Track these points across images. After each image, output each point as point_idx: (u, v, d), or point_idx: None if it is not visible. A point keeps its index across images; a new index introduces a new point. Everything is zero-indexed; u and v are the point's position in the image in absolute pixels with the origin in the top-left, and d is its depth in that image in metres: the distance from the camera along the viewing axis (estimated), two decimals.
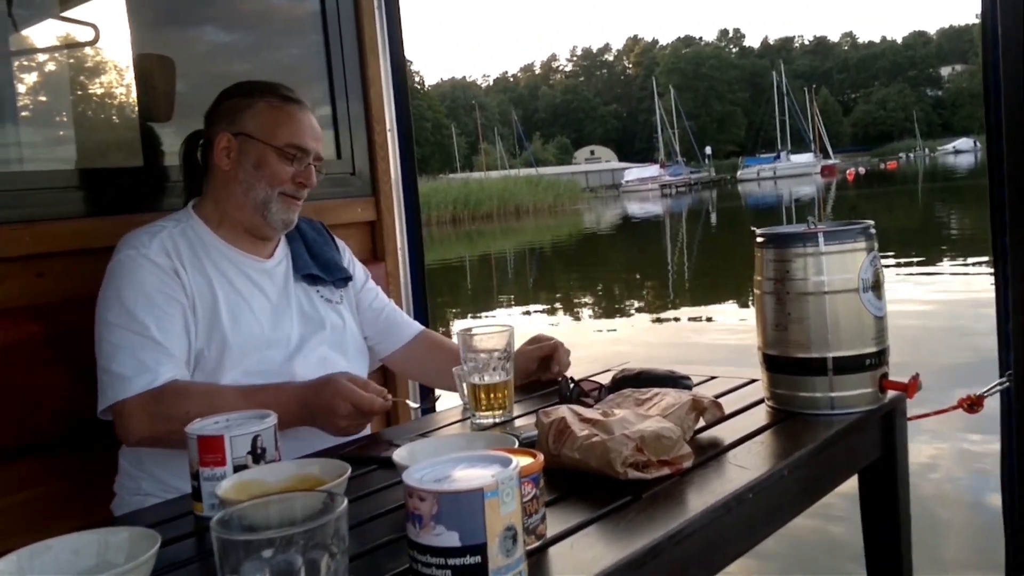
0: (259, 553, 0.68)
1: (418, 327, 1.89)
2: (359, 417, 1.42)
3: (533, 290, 13.27)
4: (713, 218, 28.69)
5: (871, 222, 1.38)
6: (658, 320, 9.32)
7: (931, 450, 3.81)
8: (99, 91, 2.30)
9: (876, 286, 1.35)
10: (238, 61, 2.22)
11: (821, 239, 1.32)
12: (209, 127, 1.64)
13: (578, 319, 9.93)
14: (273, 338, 1.58)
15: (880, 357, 1.36)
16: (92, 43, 2.06)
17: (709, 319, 8.58)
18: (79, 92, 2.22)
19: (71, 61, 2.14)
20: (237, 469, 1.09)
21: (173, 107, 1.96)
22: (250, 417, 1.14)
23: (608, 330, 8.95)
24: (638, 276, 14.13)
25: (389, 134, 2.36)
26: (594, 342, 8.06)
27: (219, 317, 1.53)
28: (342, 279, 1.76)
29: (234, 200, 1.61)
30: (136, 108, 2.02)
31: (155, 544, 0.92)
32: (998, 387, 1.49)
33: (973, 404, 1.50)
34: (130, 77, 2.05)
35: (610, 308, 10.78)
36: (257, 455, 1.09)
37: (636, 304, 10.90)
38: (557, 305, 11.16)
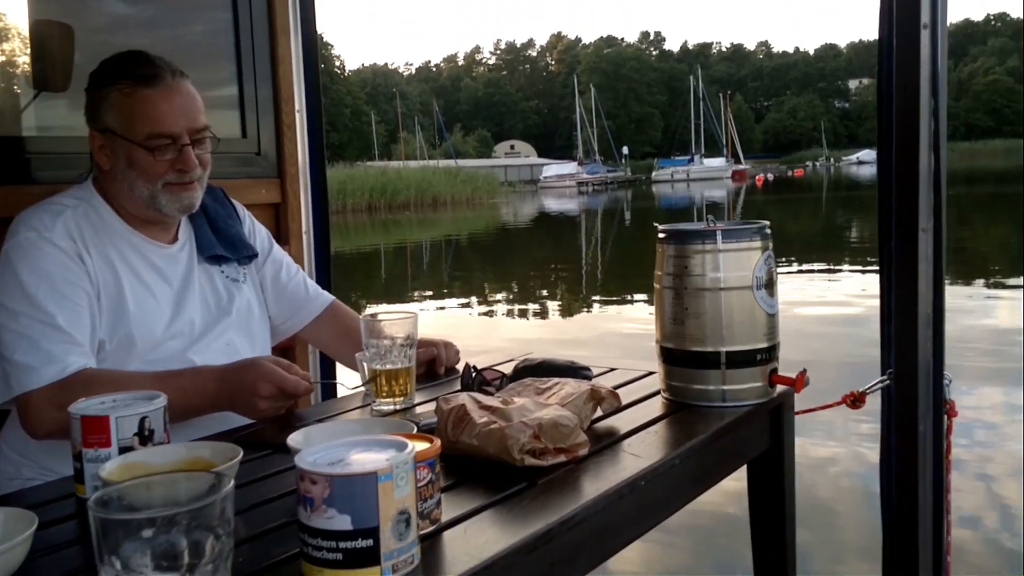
0: (139, 533, 0.66)
1: (327, 299, 1.84)
2: (283, 399, 1.41)
3: (448, 282, 13.25)
4: (627, 217, 29.19)
5: (767, 222, 1.43)
6: (569, 313, 9.45)
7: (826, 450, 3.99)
8: None
9: (769, 284, 1.41)
10: (141, 34, 2.12)
11: (719, 237, 1.37)
12: (85, 117, 1.55)
13: (492, 311, 9.98)
14: (176, 328, 1.53)
15: (771, 353, 1.42)
16: None
17: (619, 313, 8.75)
18: None
19: None
20: (123, 451, 1.05)
21: (70, 77, 1.87)
22: (138, 398, 1.11)
23: (520, 322, 9.02)
24: (552, 270, 14.27)
25: (298, 115, 2.31)
26: (505, 334, 8.11)
27: (124, 307, 1.48)
28: (247, 256, 1.70)
29: (122, 196, 1.54)
30: (31, 76, 1.93)
31: (32, 525, 0.89)
32: (879, 384, 1.57)
33: (856, 400, 1.58)
34: (24, 43, 1.95)
35: (524, 300, 10.87)
36: (144, 437, 1.06)
37: (549, 297, 11.03)
38: (472, 297, 11.18)
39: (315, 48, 2.32)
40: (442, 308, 10.28)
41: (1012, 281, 9.68)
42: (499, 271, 14.44)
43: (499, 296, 11.35)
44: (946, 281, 1.49)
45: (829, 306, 8.19)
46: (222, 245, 1.66)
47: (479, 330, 8.44)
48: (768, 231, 1.42)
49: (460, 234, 24.13)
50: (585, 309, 9.69)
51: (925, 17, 1.43)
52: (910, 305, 1.43)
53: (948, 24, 1.47)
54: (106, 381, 1.37)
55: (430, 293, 11.74)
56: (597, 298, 10.44)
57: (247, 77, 2.20)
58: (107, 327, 1.46)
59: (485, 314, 9.73)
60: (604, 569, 2.84)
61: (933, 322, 1.46)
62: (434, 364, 1.74)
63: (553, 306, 10.18)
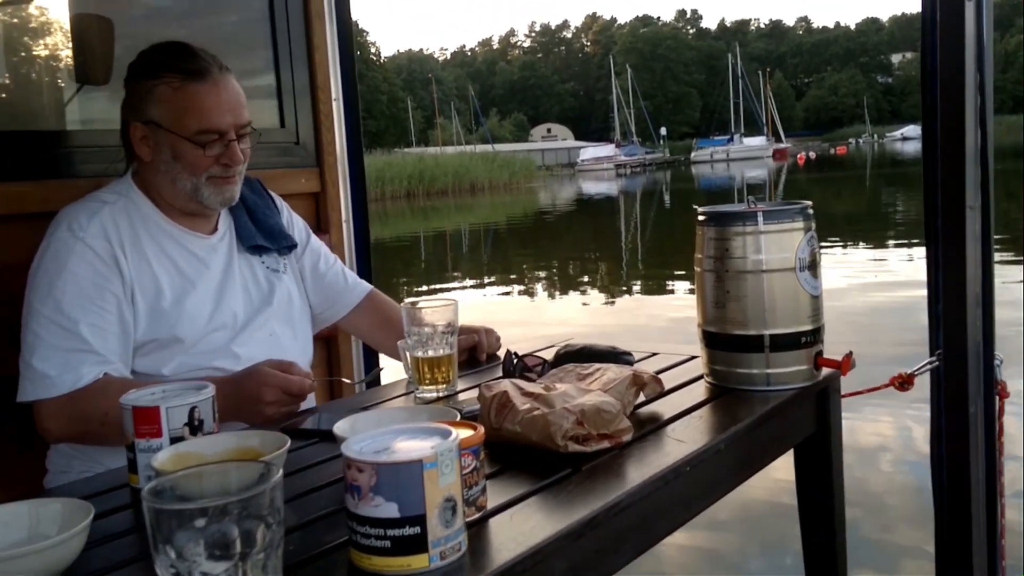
0: (192, 523, 0.68)
1: (366, 288, 1.85)
2: (289, 401, 1.42)
3: (488, 268, 13.27)
4: (667, 199, 28.93)
5: (809, 203, 1.40)
6: (611, 298, 9.41)
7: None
8: (34, 51, 2.23)
9: (812, 265, 1.38)
10: (178, 25, 2.15)
11: (760, 218, 1.35)
12: (123, 109, 1.55)
13: (532, 297, 9.98)
14: (219, 320, 1.54)
15: (815, 335, 1.40)
16: (28, 0, 1.99)
17: (661, 297, 8.69)
18: (14, 52, 2.15)
19: (5, 19, 2.07)
20: (174, 441, 1.07)
21: (111, 70, 1.89)
22: (187, 388, 1.13)
23: (561, 307, 9.00)
24: (593, 254, 14.21)
25: (335, 103, 2.31)
26: (546, 320, 8.10)
27: (162, 304, 1.49)
28: (287, 247, 1.71)
29: (165, 188, 1.54)
30: (72, 70, 1.96)
31: (88, 515, 0.91)
32: (928, 366, 1.53)
33: (904, 382, 1.55)
34: (66, 37, 1.99)
35: (564, 286, 10.85)
36: (195, 427, 1.08)
37: (589, 282, 10.99)
38: (512, 283, 11.20)
39: (350, 34, 2.33)
40: (483, 294, 10.31)
41: None
42: (539, 256, 14.41)
43: (540, 282, 11.34)
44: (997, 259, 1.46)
45: (882, 290, 8.04)
46: (262, 235, 1.67)
47: (520, 316, 8.44)
48: (811, 211, 1.40)
49: (498, 220, 24.12)
50: (626, 293, 9.64)
51: None
52: (958, 284, 1.40)
53: None
54: (114, 394, 1.38)
55: (470, 280, 11.79)
56: (638, 282, 10.37)
57: (283, 65, 2.21)
58: (147, 326, 1.47)
59: (526, 299, 9.73)
60: (653, 553, 2.85)
61: (983, 301, 1.42)
62: (475, 351, 1.74)
63: (594, 291, 10.14)
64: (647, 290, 9.67)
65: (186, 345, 1.49)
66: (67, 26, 2.03)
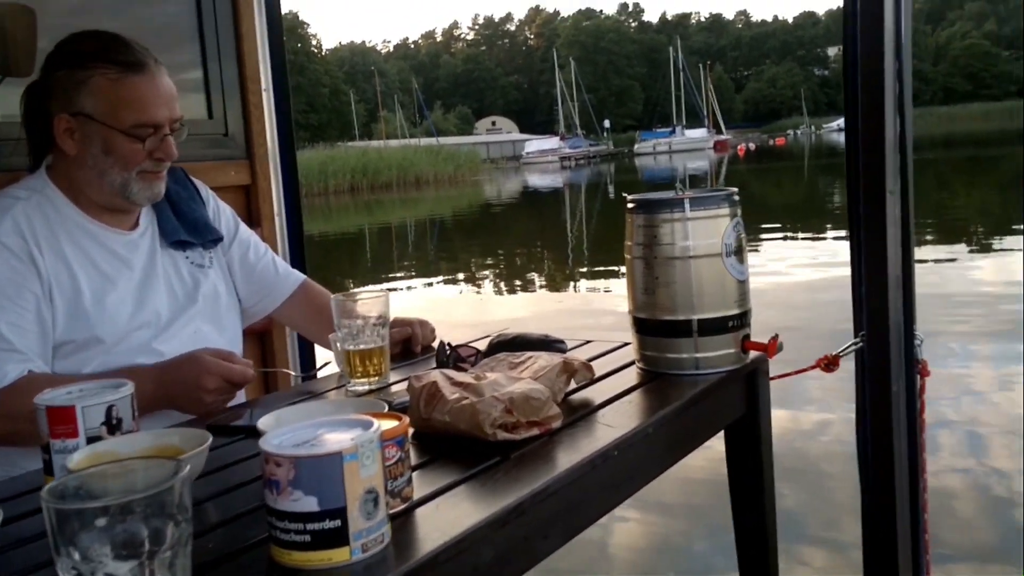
0: (94, 522, 0.66)
1: (299, 278, 1.82)
2: (229, 391, 1.39)
3: (434, 261, 13.22)
4: (611, 190, 29.15)
5: (735, 189, 1.43)
6: (556, 288, 9.46)
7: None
8: None
9: (739, 251, 1.40)
10: (104, 17, 2.08)
11: (687, 205, 1.36)
12: (44, 98, 1.48)
13: (479, 289, 9.97)
14: (141, 319, 1.50)
15: (742, 319, 1.42)
16: None
17: (607, 289, 8.75)
18: None
19: None
20: (91, 441, 1.04)
21: (35, 61, 1.82)
22: (104, 386, 1.09)
23: (508, 299, 9.02)
24: (539, 246, 14.26)
25: (265, 94, 2.28)
26: (493, 311, 8.11)
27: (82, 303, 1.44)
28: (212, 240, 1.67)
29: (89, 183, 1.49)
30: None
31: None
32: (852, 347, 1.57)
33: (830, 363, 1.58)
34: None
35: (510, 278, 10.86)
36: (113, 426, 1.05)
37: (536, 274, 11.03)
38: (459, 275, 11.17)
39: (280, 25, 2.29)
40: (429, 286, 10.27)
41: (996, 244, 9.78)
42: (485, 248, 14.41)
43: (486, 273, 11.34)
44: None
45: (820, 268, 8.25)
46: (185, 230, 1.63)
47: (466, 309, 8.44)
48: (736, 198, 1.42)
49: (444, 213, 24.04)
50: (572, 283, 9.69)
51: None
52: (879, 267, 1.44)
53: None
54: (44, 386, 1.35)
55: (416, 273, 11.73)
56: (584, 273, 10.44)
57: (211, 57, 2.17)
58: (66, 325, 1.43)
59: (473, 292, 9.72)
60: (604, 541, 2.88)
61: (903, 283, 1.46)
62: (410, 343, 1.73)
63: (540, 281, 10.18)
64: (593, 279, 9.73)
65: (107, 345, 1.45)
66: None
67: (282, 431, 0.87)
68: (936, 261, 8.44)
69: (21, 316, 1.38)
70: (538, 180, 40.63)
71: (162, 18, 2.21)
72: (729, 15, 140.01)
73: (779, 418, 3.74)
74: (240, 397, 1.57)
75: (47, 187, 1.51)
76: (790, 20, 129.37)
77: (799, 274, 8.26)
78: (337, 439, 0.83)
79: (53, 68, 1.48)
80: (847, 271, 1.56)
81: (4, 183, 1.52)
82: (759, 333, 1.47)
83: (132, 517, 0.66)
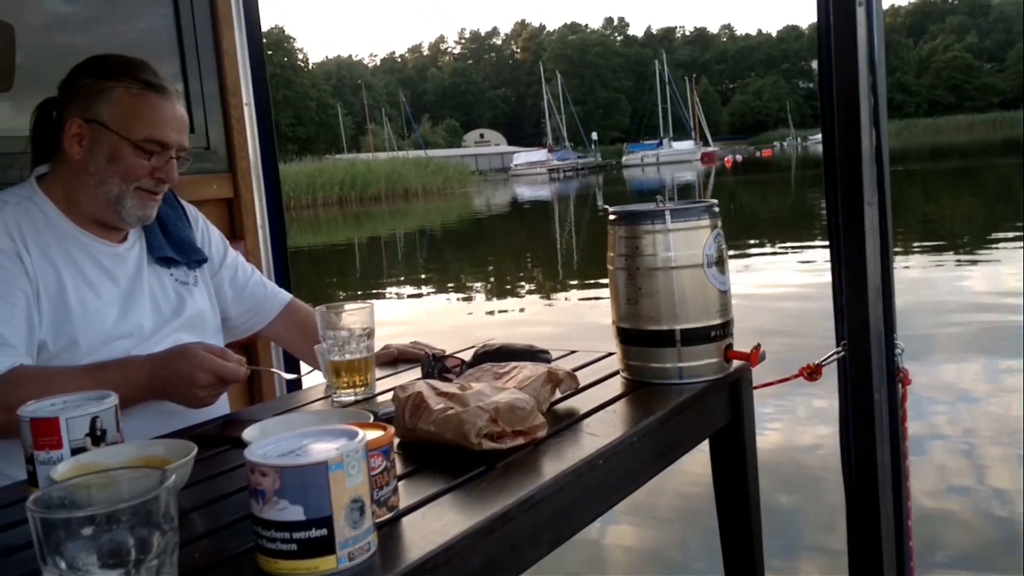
0: (80, 532, 0.66)
1: (286, 297, 1.84)
2: (220, 387, 1.40)
3: (424, 273, 13.21)
4: (600, 202, 29.25)
5: (715, 201, 1.45)
6: (547, 299, 9.47)
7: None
8: None
9: (720, 261, 1.42)
10: (83, 32, 2.09)
11: (668, 217, 1.38)
12: (61, 105, 1.51)
13: (469, 300, 9.97)
14: (124, 328, 1.51)
15: (725, 328, 1.44)
16: None
17: (596, 298, 8.77)
18: None
19: None
20: (76, 452, 1.04)
21: (12, 77, 1.83)
22: (88, 398, 1.10)
23: (498, 311, 9.02)
24: (528, 258, 14.28)
25: (247, 108, 2.29)
26: (483, 323, 8.11)
27: (67, 309, 1.45)
28: (196, 261, 1.69)
29: (85, 191, 1.51)
30: None
31: None
32: (835, 356, 1.59)
33: (812, 372, 1.60)
34: None
35: (500, 289, 10.87)
36: (97, 437, 1.05)
37: (526, 285, 11.04)
38: (448, 286, 11.18)
39: (260, 38, 2.30)
40: (418, 296, 10.27)
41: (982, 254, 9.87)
42: (474, 260, 14.42)
43: (477, 285, 11.35)
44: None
45: (807, 277, 8.29)
46: (172, 248, 1.64)
47: (456, 321, 8.43)
48: (716, 209, 1.44)
49: (433, 225, 24.04)
50: (563, 294, 9.71)
51: None
52: (859, 277, 1.46)
53: (895, 3, 1.50)
54: (33, 378, 1.36)
55: (406, 284, 11.72)
56: (574, 284, 10.46)
57: (192, 72, 2.17)
58: (49, 328, 1.44)
59: (462, 304, 9.72)
60: (599, 553, 2.87)
61: (883, 292, 1.48)
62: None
63: (530, 293, 10.20)
64: (583, 290, 9.76)
65: (87, 351, 1.46)
66: None
67: (267, 441, 0.88)
68: (923, 268, 8.54)
69: (12, 312, 1.40)
70: (527, 192, 40.73)
71: (142, 33, 2.22)
72: (714, 29, 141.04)
73: (778, 422, 3.79)
74: (224, 406, 1.57)
75: (36, 195, 1.52)
76: (774, 34, 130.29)
77: (789, 279, 8.32)
78: (323, 449, 0.84)
79: (77, 76, 1.52)
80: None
81: None
82: (751, 340, 1.49)
83: (118, 526, 0.67)
